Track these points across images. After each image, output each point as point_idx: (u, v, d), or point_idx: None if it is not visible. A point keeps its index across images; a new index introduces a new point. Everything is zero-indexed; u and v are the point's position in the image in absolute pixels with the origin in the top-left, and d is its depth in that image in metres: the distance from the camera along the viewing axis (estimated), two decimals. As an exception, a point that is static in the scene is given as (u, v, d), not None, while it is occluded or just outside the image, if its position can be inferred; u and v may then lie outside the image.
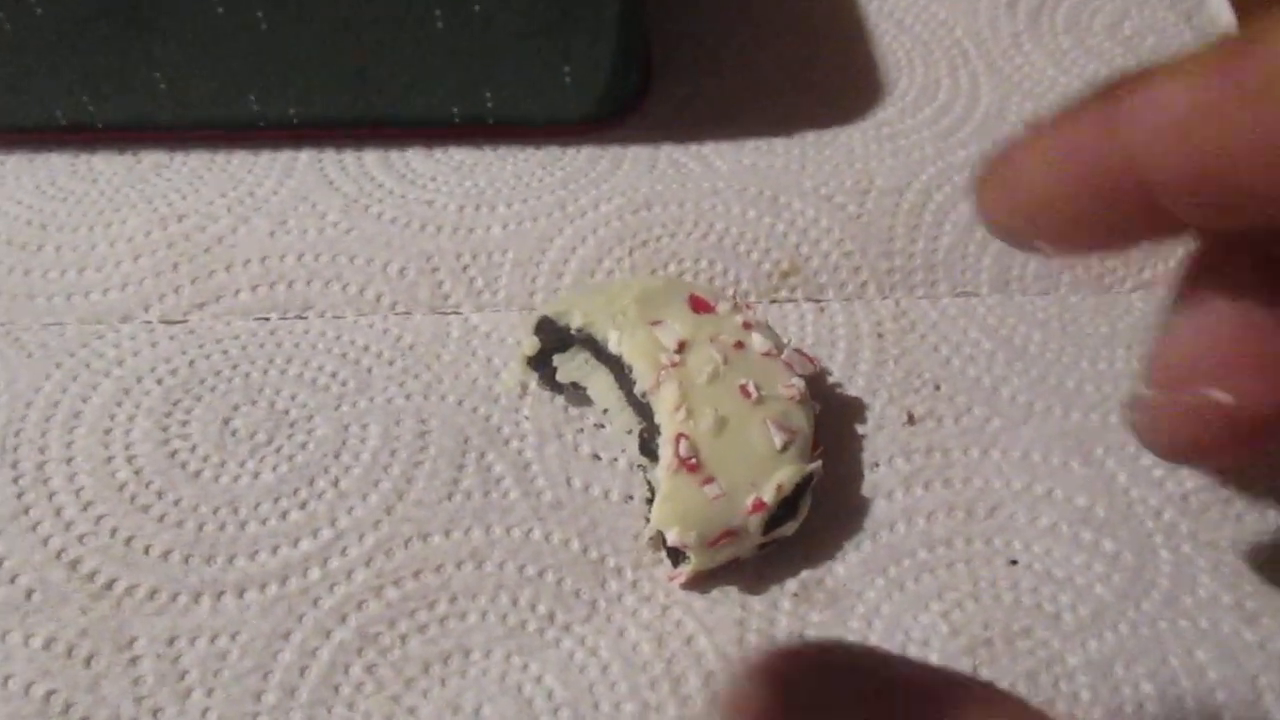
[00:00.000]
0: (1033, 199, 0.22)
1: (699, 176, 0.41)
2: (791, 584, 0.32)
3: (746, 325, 0.33)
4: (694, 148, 0.43)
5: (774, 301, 0.39)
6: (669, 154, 0.42)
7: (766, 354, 0.33)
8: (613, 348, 0.32)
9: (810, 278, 0.39)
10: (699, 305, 0.33)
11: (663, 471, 0.30)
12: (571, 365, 0.34)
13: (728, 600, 0.31)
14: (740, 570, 0.32)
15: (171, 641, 0.29)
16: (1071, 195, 0.21)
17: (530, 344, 0.34)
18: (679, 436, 0.30)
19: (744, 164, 0.42)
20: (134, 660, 0.29)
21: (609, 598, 0.31)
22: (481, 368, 0.36)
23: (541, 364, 0.34)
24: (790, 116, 0.44)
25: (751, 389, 0.31)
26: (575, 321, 0.33)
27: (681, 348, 0.32)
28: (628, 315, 0.33)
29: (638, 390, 0.32)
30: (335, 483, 0.33)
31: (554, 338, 0.34)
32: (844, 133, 0.44)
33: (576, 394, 0.34)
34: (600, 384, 0.33)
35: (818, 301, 0.39)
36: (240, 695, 0.29)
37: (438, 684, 0.29)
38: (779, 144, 0.43)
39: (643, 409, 0.32)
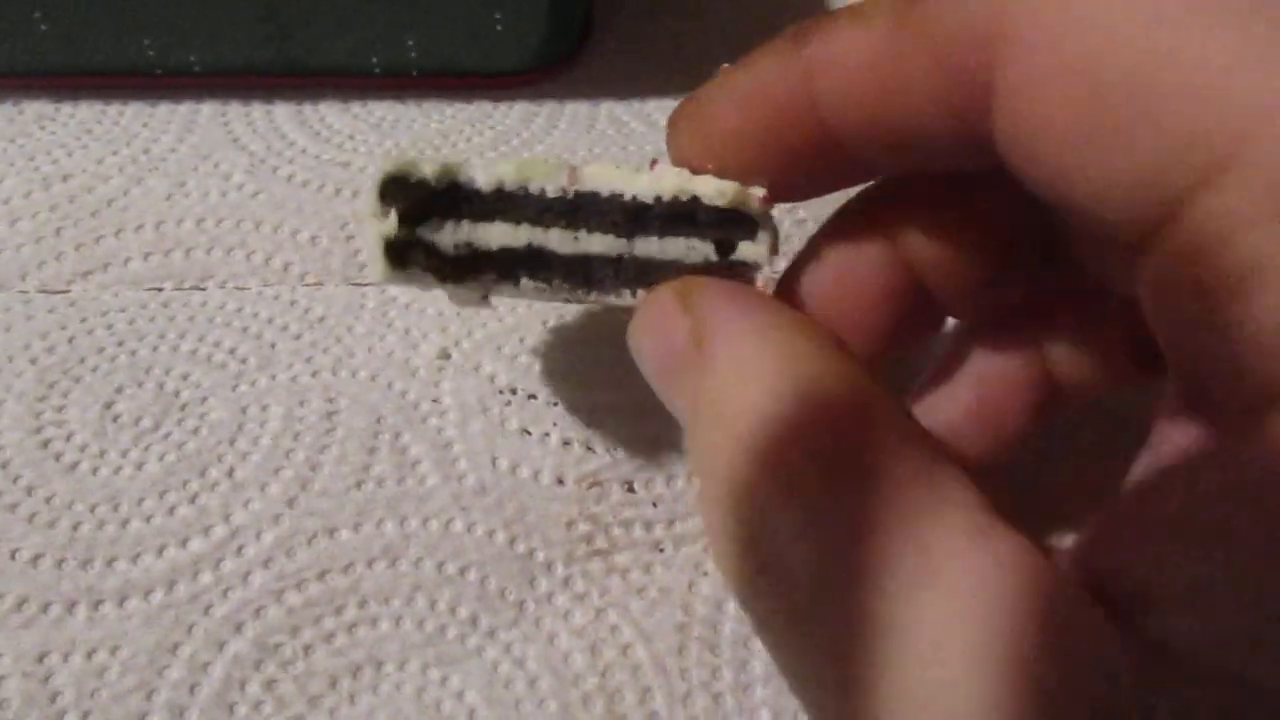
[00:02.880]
0: (723, 140, 0.23)
1: (641, 135, 0.39)
2: (739, 584, 0.29)
3: None
4: (637, 104, 0.40)
5: (721, 272, 0.36)
6: (610, 110, 0.40)
7: None
8: (507, 180, 0.25)
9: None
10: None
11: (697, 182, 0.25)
12: (451, 231, 0.25)
13: (668, 602, 0.28)
14: (682, 567, 0.29)
15: (41, 658, 0.26)
16: (758, 136, 0.22)
17: (386, 223, 0.25)
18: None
19: None
20: (-1, 678, 0.26)
21: (538, 598, 0.28)
22: (399, 339, 0.32)
23: (409, 245, 0.25)
24: None
25: None
26: (428, 170, 0.25)
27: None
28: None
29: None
30: (230, 472, 0.29)
31: (413, 203, 0.25)
32: None
33: (479, 267, 0.26)
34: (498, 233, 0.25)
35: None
36: (121, 718, 0.25)
37: (346, 701, 0.26)
38: None
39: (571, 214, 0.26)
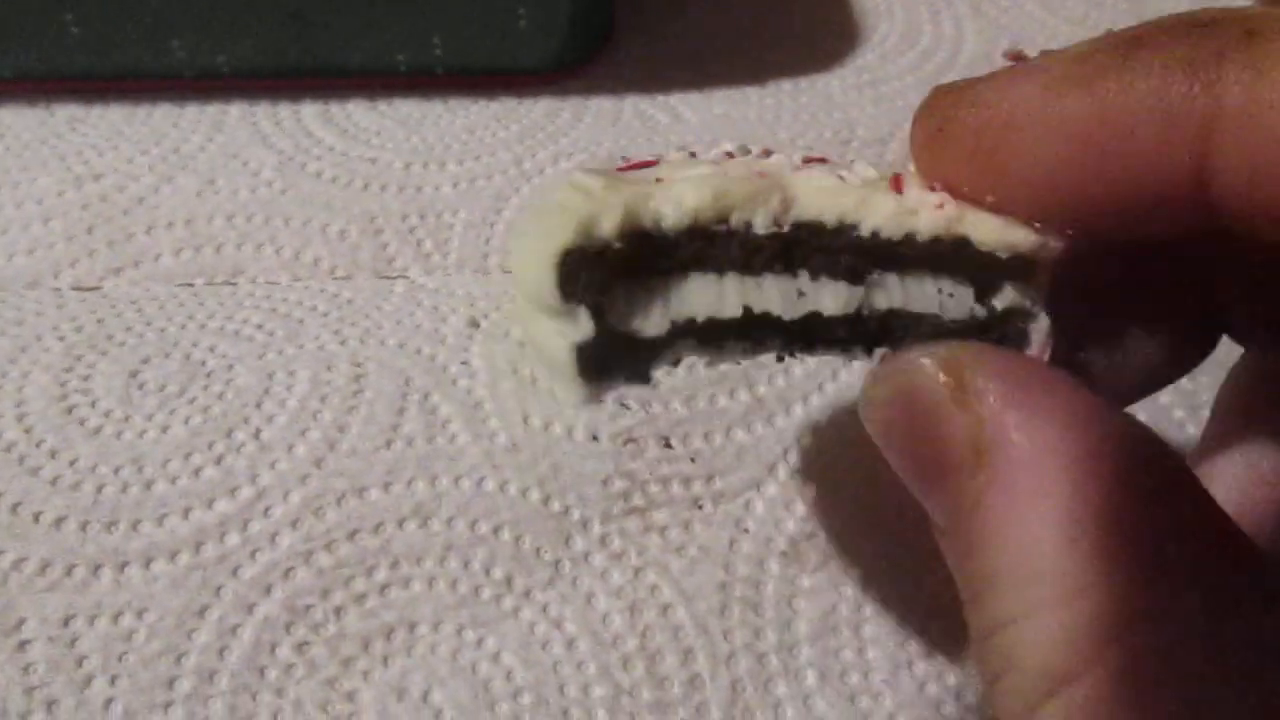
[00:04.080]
0: (1028, 172, 0.18)
1: (667, 129, 0.39)
2: (779, 541, 0.28)
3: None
4: (661, 98, 0.40)
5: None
6: (634, 105, 0.39)
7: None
8: (702, 212, 0.19)
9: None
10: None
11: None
12: (646, 306, 0.19)
13: (708, 561, 0.27)
14: (722, 524, 0.28)
15: (67, 622, 0.25)
16: (1092, 179, 0.17)
17: (577, 324, 0.18)
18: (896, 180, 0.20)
19: (715, 114, 0.39)
20: (23, 645, 0.25)
21: (574, 557, 0.27)
22: (427, 314, 0.32)
23: (602, 344, 0.19)
24: (764, 63, 0.41)
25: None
26: (608, 227, 0.18)
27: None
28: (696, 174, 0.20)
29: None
30: (256, 434, 0.28)
31: (601, 285, 0.19)
32: (822, 80, 0.41)
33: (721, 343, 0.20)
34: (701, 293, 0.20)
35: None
36: (149, 683, 0.25)
37: (379, 664, 0.26)
38: (753, 93, 0.40)
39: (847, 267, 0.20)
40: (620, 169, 0.21)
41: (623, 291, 0.19)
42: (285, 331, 0.31)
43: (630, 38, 0.42)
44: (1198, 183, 0.16)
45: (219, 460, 0.28)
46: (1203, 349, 0.23)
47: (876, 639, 0.27)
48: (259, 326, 0.31)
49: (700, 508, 0.28)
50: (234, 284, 0.33)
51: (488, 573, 0.27)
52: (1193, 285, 0.22)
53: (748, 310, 0.19)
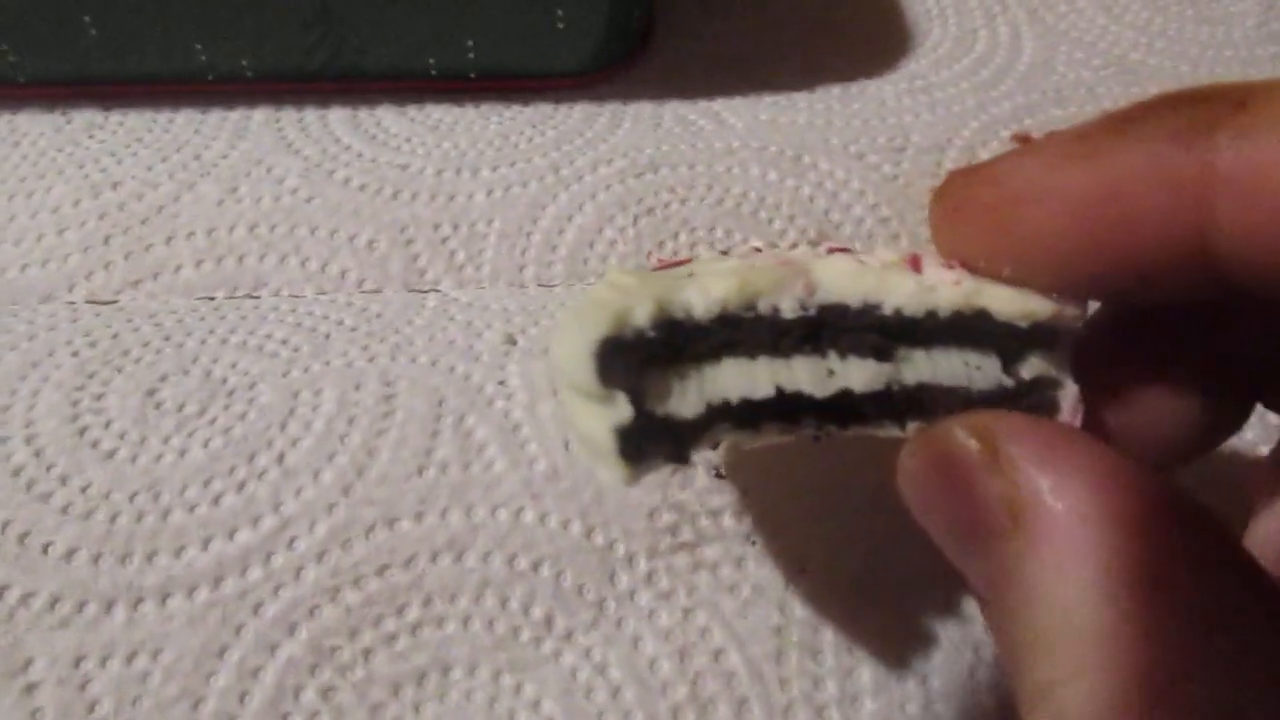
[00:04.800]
0: (1043, 244, 0.19)
1: (711, 134, 0.37)
2: (841, 581, 0.26)
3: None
4: (703, 103, 0.38)
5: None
6: (676, 110, 0.38)
7: None
8: (730, 301, 0.20)
9: (843, 241, 0.34)
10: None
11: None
12: (681, 389, 0.20)
13: (763, 601, 0.26)
14: (776, 562, 0.26)
15: (77, 663, 0.24)
16: (1102, 247, 0.18)
17: (616, 408, 0.19)
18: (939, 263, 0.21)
19: (762, 120, 0.37)
20: (30, 687, 0.23)
21: (619, 596, 0.25)
22: (460, 330, 0.30)
23: (639, 426, 0.19)
24: (812, 66, 0.40)
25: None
26: (642, 317, 0.19)
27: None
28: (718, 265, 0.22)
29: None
30: (280, 458, 0.26)
31: (638, 372, 0.19)
32: (873, 85, 0.39)
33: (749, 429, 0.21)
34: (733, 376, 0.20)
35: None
36: (163, 728, 0.23)
37: (410, 710, 0.24)
38: (800, 97, 0.38)
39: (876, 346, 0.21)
40: (654, 268, 0.23)
41: (659, 376, 0.20)
42: (311, 347, 0.29)
43: (670, 39, 0.40)
44: (1200, 246, 0.17)
45: (240, 487, 0.26)
46: (1237, 415, 0.22)
47: (947, 694, 0.25)
48: (283, 342, 0.29)
49: (753, 543, 0.26)
50: (257, 297, 0.32)
51: (526, 612, 0.25)
52: (1217, 350, 0.21)
53: (780, 390, 0.20)
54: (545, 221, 0.34)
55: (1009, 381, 0.20)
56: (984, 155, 0.36)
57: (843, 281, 0.21)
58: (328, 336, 0.30)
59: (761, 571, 0.26)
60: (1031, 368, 0.20)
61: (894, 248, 0.22)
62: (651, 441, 0.19)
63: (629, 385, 0.19)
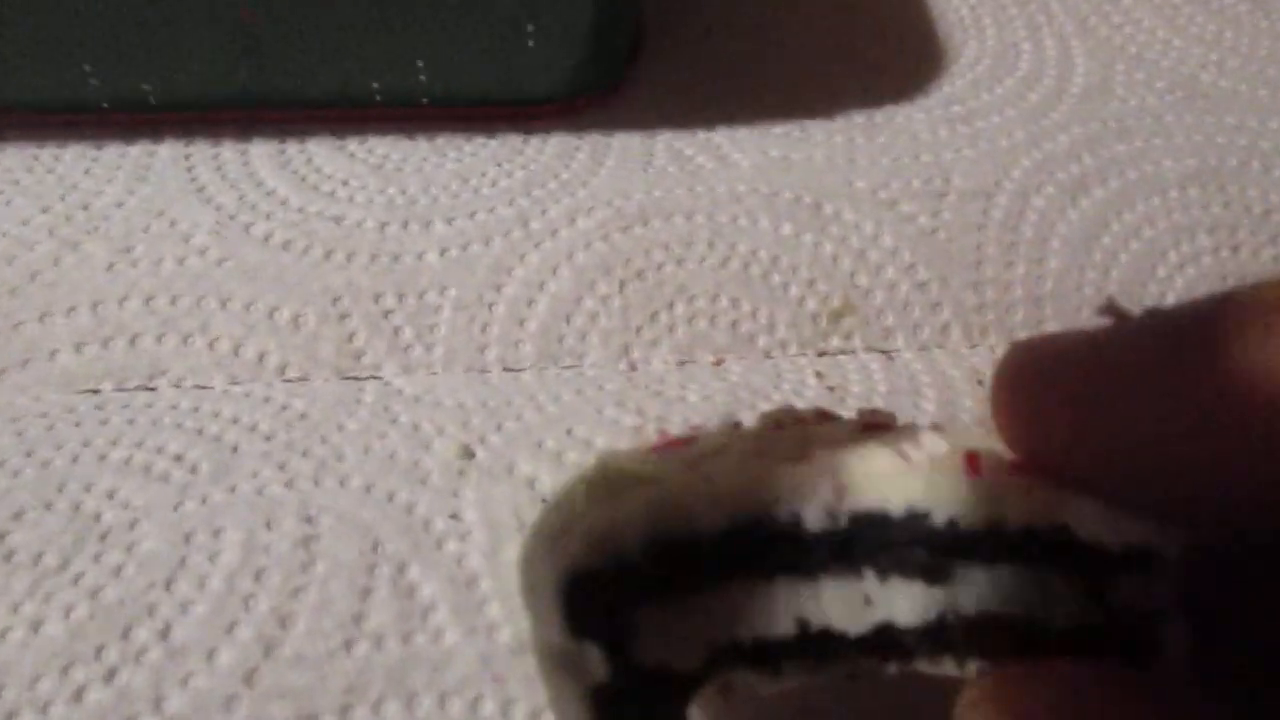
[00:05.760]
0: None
1: (712, 175, 0.32)
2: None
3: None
4: (702, 135, 0.33)
5: (823, 354, 0.29)
6: (670, 143, 0.33)
7: None
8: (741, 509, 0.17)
9: (872, 319, 0.30)
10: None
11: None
12: (683, 635, 0.17)
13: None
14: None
15: None
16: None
17: (589, 664, 0.17)
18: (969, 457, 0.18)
19: (772, 156, 0.33)
20: None
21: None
22: (404, 437, 0.26)
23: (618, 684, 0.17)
24: (830, 92, 0.35)
25: None
26: (631, 537, 0.17)
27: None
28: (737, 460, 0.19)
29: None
30: (164, 633, 0.22)
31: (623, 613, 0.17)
32: (902, 113, 0.35)
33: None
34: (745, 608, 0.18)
35: (884, 352, 0.29)
36: None
37: None
38: (817, 128, 0.34)
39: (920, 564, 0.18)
40: (655, 447, 0.20)
41: (648, 613, 0.17)
42: (212, 466, 0.25)
43: (663, 58, 0.36)
44: None
45: (110, 676, 0.21)
46: None
47: None
48: (177, 459, 0.25)
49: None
50: (152, 389, 0.27)
51: None
52: None
53: (803, 626, 0.17)
54: (511, 289, 0.29)
55: (1096, 611, 0.17)
56: (1039, 202, 0.31)
57: (881, 485, 0.17)
58: (235, 449, 0.25)
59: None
60: (1125, 595, 0.17)
61: (946, 433, 0.18)
62: (638, 702, 0.16)
63: (608, 632, 0.16)
